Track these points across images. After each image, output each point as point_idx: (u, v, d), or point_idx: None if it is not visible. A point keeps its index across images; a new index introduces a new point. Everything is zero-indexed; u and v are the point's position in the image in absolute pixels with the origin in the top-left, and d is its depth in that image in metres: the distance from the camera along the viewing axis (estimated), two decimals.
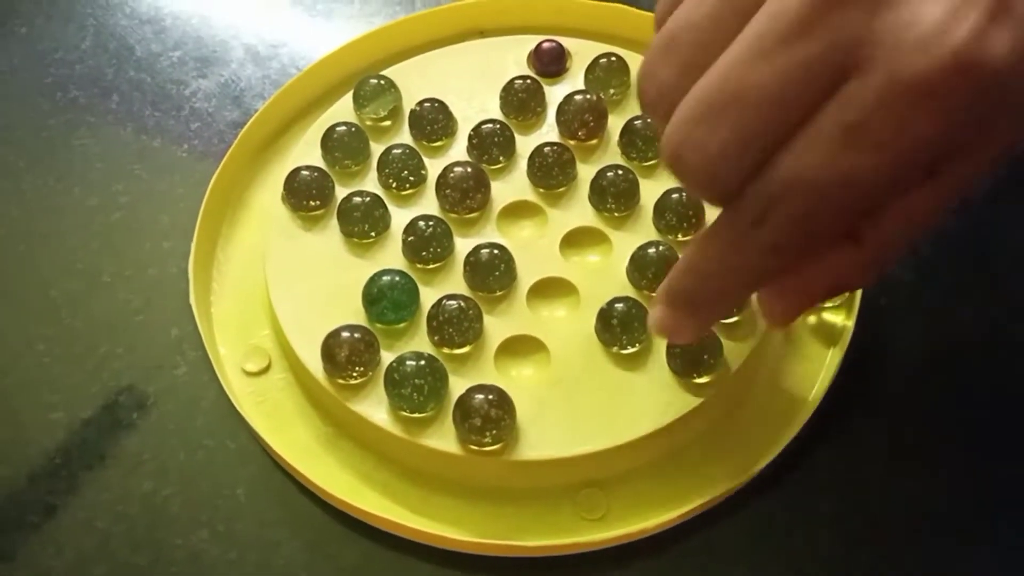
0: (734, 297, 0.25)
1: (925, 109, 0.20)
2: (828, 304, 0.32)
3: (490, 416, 0.28)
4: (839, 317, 0.32)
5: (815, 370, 0.31)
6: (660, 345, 0.31)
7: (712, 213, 0.32)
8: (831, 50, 0.20)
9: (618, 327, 0.30)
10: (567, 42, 0.38)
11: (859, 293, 0.32)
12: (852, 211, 0.22)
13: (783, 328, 0.28)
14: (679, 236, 0.33)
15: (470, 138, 0.35)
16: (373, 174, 0.35)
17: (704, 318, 0.25)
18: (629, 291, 0.32)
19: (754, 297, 0.28)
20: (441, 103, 0.36)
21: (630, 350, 0.30)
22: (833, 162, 0.21)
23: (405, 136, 0.36)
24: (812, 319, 0.33)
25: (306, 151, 0.36)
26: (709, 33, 0.22)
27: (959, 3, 0.20)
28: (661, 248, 0.32)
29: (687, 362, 0.30)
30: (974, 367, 0.32)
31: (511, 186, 0.35)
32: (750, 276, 0.23)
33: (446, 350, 0.31)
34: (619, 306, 0.30)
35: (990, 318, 0.33)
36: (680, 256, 0.25)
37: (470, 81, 0.37)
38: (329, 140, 0.35)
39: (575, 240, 0.33)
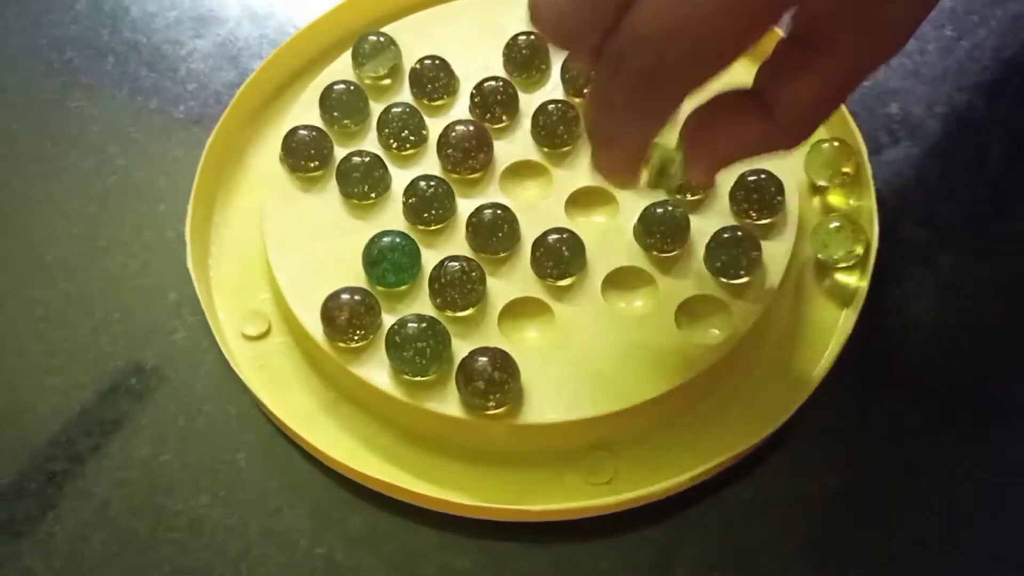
0: (631, 133, 0.25)
1: None
2: (841, 264, 0.31)
3: (493, 379, 0.28)
4: (852, 277, 0.31)
5: (828, 332, 0.31)
6: (668, 305, 0.30)
7: None
8: None
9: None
10: None
11: (873, 253, 0.31)
12: (711, 47, 0.22)
13: (704, 185, 0.29)
14: (687, 196, 0.32)
15: (472, 96, 0.34)
16: (373, 134, 0.34)
17: (626, 166, 0.26)
18: (637, 251, 0.31)
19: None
20: (442, 60, 0.35)
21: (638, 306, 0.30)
22: (666, 9, 0.21)
23: (405, 95, 0.35)
24: (825, 280, 0.32)
25: (304, 111, 0.35)
26: None
27: None
28: (670, 207, 0.31)
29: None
30: (991, 330, 0.31)
31: (515, 145, 0.34)
32: (627, 117, 0.24)
33: (448, 313, 0.30)
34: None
35: (1008, 279, 0.32)
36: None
37: (472, 38, 0.36)
38: (327, 99, 0.34)
39: (581, 200, 0.33)
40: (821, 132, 0.35)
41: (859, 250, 0.31)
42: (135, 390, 0.32)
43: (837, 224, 0.31)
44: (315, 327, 0.30)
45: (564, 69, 0.35)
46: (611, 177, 0.28)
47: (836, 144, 0.33)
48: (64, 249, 0.35)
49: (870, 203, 0.32)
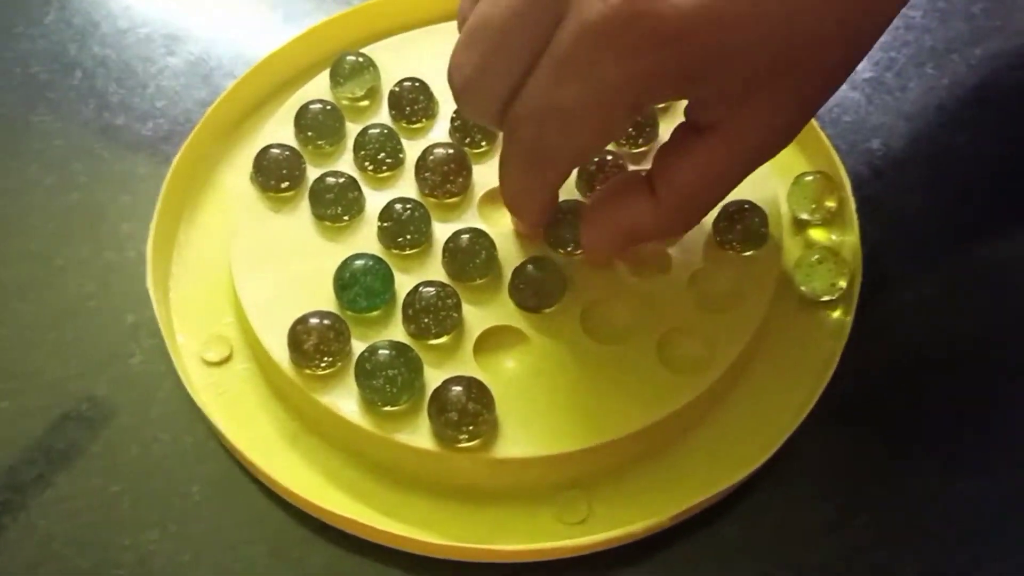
0: (534, 202, 0.28)
1: (608, 51, 0.23)
2: (825, 297, 0.31)
3: (467, 410, 0.27)
4: (837, 311, 0.31)
5: (812, 365, 0.30)
6: (649, 338, 0.29)
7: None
8: None
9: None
10: None
11: (857, 286, 0.30)
12: (575, 136, 0.25)
13: (598, 264, 0.30)
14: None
15: (452, 120, 0.34)
16: (348, 155, 0.33)
17: (529, 219, 0.29)
18: (617, 281, 0.30)
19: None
20: (422, 83, 0.34)
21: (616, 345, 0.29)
22: (547, 93, 0.24)
23: (383, 117, 0.35)
24: (809, 313, 0.31)
25: (278, 129, 0.34)
26: None
27: None
28: None
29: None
30: (978, 362, 0.30)
31: (494, 171, 0.32)
32: (524, 185, 0.28)
33: (422, 340, 0.29)
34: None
35: (992, 312, 0.31)
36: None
37: None
38: (303, 118, 0.33)
39: None
40: (804, 165, 0.34)
41: (843, 283, 0.30)
42: (86, 417, 0.30)
43: (819, 257, 0.30)
44: (280, 352, 0.29)
45: None
46: (520, 228, 0.30)
47: (819, 177, 0.32)
48: (19, 268, 0.33)
49: (854, 237, 0.32)
